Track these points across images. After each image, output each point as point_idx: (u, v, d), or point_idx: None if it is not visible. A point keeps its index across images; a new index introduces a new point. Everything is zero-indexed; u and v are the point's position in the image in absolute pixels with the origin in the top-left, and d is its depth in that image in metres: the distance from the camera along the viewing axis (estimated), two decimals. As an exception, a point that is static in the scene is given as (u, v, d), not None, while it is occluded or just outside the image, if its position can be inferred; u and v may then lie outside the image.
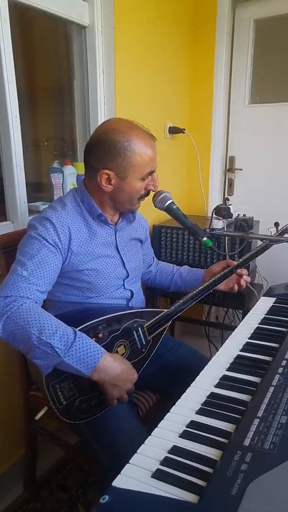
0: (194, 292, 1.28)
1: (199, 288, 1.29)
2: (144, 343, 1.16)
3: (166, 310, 1.21)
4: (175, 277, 1.53)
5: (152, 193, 1.26)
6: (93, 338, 1.02)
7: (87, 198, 1.19)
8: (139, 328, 1.15)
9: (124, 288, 1.28)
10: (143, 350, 1.16)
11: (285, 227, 1.62)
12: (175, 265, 1.59)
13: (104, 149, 1.11)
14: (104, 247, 1.22)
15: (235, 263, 1.42)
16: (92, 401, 1.04)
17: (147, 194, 1.23)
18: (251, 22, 2.39)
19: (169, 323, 1.22)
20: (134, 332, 1.14)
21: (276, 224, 1.59)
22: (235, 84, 2.52)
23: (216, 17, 2.35)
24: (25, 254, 1.07)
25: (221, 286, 1.41)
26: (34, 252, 1.07)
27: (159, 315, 1.19)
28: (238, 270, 1.42)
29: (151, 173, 1.18)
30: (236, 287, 1.42)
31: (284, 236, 1.56)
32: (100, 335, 1.05)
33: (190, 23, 2.38)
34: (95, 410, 1.05)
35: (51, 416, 1.02)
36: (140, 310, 1.20)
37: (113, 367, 1.00)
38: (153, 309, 1.22)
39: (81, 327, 1.03)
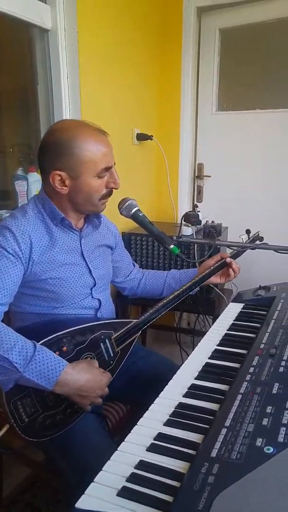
0: (165, 301, 1.25)
1: (170, 297, 1.26)
2: (112, 354, 1.13)
3: (135, 320, 1.18)
4: (168, 280, 1.51)
5: (117, 195, 1.23)
6: (57, 352, 0.99)
7: (48, 203, 1.15)
8: (107, 340, 1.12)
9: (92, 297, 1.25)
10: (111, 362, 1.13)
11: (256, 234, 1.63)
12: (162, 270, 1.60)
13: (51, 150, 1.09)
14: (67, 254, 1.18)
15: (229, 254, 1.46)
16: (57, 416, 1.01)
17: (109, 193, 1.18)
18: (217, 31, 2.43)
19: (139, 334, 1.20)
20: (101, 344, 1.11)
21: (248, 231, 1.60)
22: (202, 91, 2.55)
23: (182, 25, 2.38)
24: None
25: (217, 279, 1.45)
26: None
27: (128, 326, 1.16)
28: (228, 259, 1.45)
29: (107, 169, 1.13)
30: (232, 274, 1.45)
31: (255, 243, 1.57)
32: (64, 348, 1.02)
33: (156, 29, 2.39)
34: (60, 426, 1.01)
35: (14, 434, 0.97)
36: (108, 321, 1.17)
37: (76, 379, 0.97)
38: (122, 320, 1.19)
39: (43, 341, 1.00)
